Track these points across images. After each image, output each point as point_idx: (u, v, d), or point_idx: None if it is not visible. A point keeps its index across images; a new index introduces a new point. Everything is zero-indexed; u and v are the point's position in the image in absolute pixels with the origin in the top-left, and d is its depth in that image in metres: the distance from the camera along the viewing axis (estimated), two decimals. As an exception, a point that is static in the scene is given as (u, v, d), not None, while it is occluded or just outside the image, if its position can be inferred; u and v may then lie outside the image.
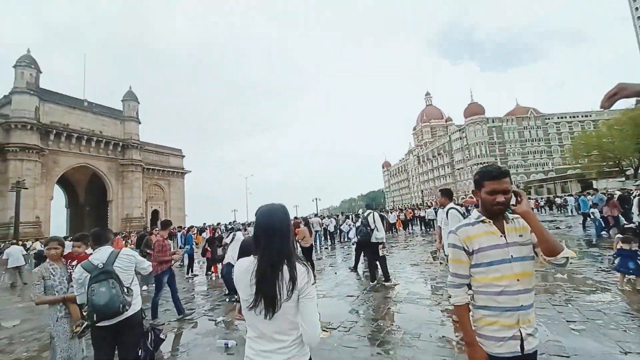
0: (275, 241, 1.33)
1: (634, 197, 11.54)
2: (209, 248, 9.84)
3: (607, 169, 39.69)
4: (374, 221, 6.36)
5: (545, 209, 28.93)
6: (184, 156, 55.05)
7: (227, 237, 6.70)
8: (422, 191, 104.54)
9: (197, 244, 16.30)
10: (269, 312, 1.27)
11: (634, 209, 6.12)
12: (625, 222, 8.75)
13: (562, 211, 23.46)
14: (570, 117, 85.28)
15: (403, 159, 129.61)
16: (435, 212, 17.19)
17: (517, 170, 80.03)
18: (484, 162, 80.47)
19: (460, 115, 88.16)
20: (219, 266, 8.35)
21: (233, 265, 5.51)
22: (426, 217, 16.71)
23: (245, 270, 1.34)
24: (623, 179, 35.48)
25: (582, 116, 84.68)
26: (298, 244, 7.88)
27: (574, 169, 65.88)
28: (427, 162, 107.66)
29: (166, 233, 5.76)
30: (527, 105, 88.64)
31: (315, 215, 17.77)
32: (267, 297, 1.26)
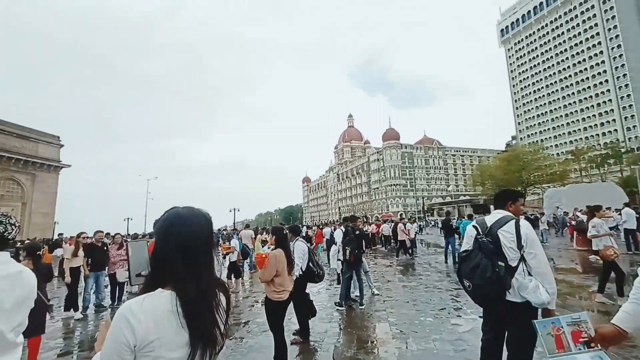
0: (205, 260, 1.02)
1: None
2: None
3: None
4: (525, 244, 2.27)
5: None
6: (61, 145, 42.52)
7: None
8: (340, 208, 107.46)
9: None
10: (212, 356, 0.96)
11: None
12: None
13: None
14: (463, 151, 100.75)
15: (323, 175, 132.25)
16: (394, 228, 15.54)
17: (422, 194, 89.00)
18: (397, 184, 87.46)
19: (375, 140, 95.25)
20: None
21: None
22: (382, 233, 14.70)
23: (162, 312, 0.89)
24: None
25: (471, 152, 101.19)
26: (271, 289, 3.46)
27: (464, 195, 77.26)
28: (346, 180, 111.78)
29: None
30: (433, 136, 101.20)
31: (248, 226, 13.67)
32: (208, 340, 0.94)
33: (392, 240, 15.72)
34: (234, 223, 51.49)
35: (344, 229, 6.50)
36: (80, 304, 6.56)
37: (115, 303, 7.13)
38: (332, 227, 13.36)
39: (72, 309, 6.39)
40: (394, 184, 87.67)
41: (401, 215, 73.17)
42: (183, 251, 0.97)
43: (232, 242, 8.31)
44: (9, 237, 1.55)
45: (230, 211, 48.43)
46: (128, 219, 44.59)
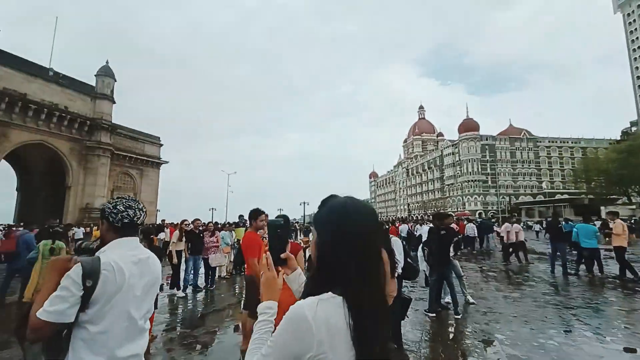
0: (378, 263, 0.82)
1: None
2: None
3: (612, 196, 38.24)
4: None
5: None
6: (161, 145, 49.72)
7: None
8: (409, 204, 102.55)
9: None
10: None
11: None
12: None
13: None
14: (560, 141, 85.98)
15: (391, 170, 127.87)
16: (480, 228, 14.04)
17: (506, 191, 79.27)
18: (476, 180, 79.36)
19: (449, 132, 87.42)
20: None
21: None
22: (466, 233, 13.24)
23: (336, 322, 0.73)
24: (634, 206, 33.77)
25: (572, 142, 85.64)
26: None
27: (562, 194, 65.71)
28: (416, 175, 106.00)
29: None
30: (521, 126, 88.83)
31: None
32: None
33: (476, 242, 14.13)
34: (304, 216, 53.50)
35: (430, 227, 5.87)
36: (181, 283, 7.32)
37: (209, 285, 7.77)
38: (410, 225, 12.54)
39: (175, 288, 7.17)
40: (472, 180, 79.77)
41: (480, 214, 66.25)
42: (358, 251, 0.81)
43: (311, 235, 8.39)
44: (139, 222, 1.52)
45: (301, 204, 50.35)
46: (212, 209, 50.06)
